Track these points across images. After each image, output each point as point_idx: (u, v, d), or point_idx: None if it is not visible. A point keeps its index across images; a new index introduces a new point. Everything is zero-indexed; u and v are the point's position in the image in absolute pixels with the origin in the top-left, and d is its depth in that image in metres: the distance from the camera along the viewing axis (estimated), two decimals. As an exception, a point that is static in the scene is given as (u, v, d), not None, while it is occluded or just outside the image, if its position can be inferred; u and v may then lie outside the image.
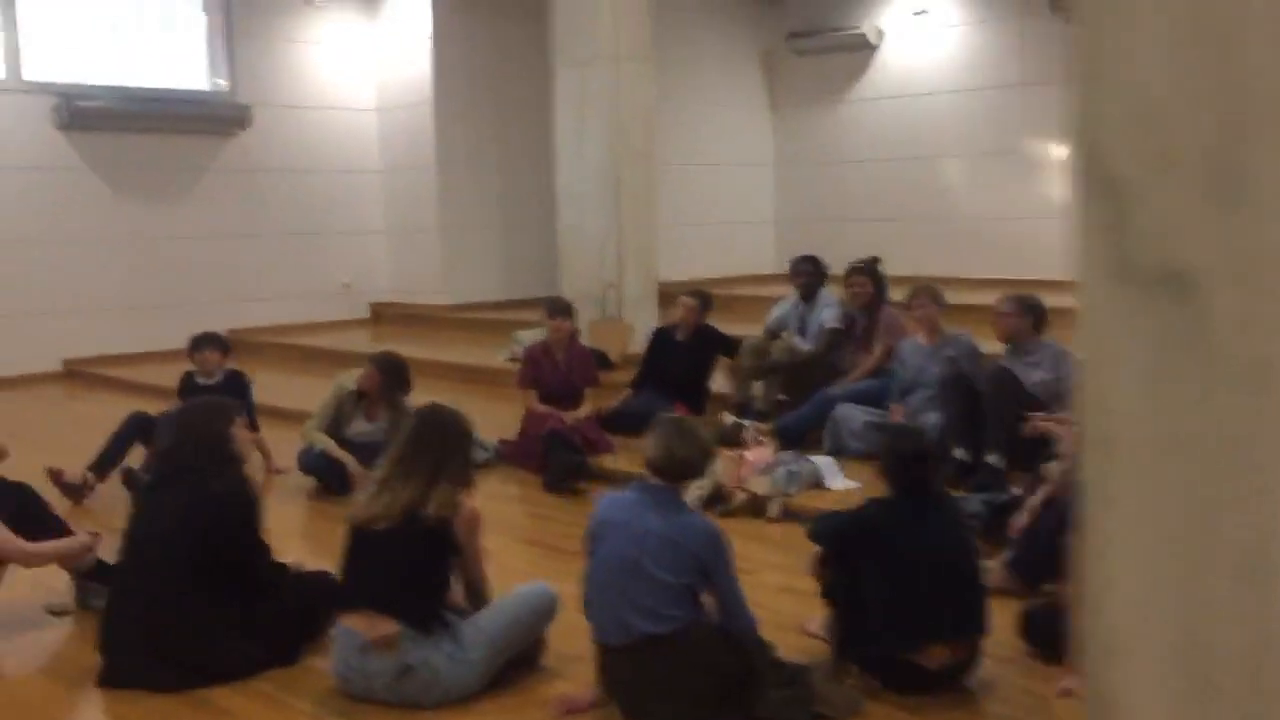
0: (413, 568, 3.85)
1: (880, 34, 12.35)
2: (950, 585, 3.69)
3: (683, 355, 7.56)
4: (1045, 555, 4.15)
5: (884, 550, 3.69)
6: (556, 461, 6.55)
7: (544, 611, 3.99)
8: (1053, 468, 4.78)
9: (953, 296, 7.08)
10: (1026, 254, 10.70)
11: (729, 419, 6.86)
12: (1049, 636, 3.86)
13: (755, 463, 6.07)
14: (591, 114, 9.23)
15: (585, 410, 7.09)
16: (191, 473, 4.10)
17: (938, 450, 4.78)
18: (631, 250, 9.31)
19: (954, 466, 5.97)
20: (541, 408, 7.08)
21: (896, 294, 7.19)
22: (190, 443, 4.17)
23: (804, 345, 7.39)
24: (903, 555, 3.67)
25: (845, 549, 3.80)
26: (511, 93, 11.96)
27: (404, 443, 3.98)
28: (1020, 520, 4.72)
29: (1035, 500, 4.73)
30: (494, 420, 7.26)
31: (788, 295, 7.81)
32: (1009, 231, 11.41)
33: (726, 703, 3.55)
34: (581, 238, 9.39)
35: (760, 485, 5.92)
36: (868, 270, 7.24)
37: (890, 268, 10.15)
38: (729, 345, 7.56)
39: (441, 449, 3.95)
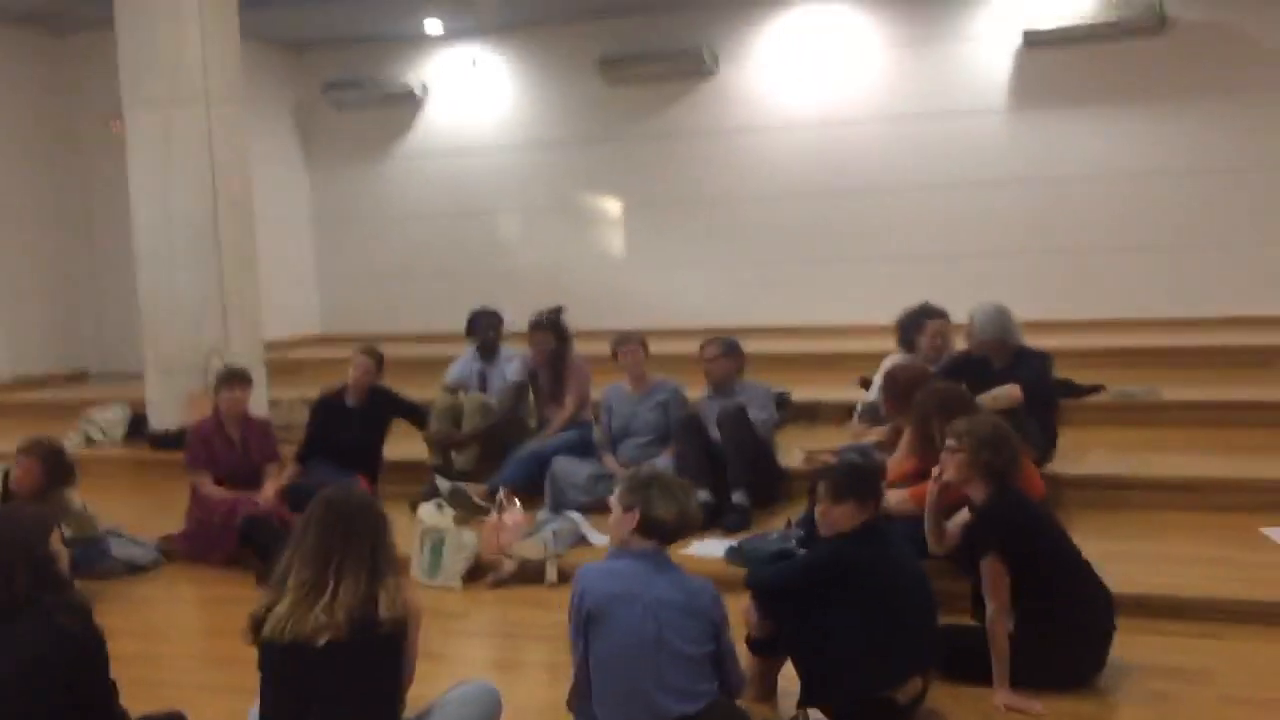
0: (371, 682, 3.20)
1: (425, 88, 12.22)
2: (927, 613, 3.75)
3: (355, 422, 6.96)
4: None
5: (863, 585, 3.65)
6: (269, 550, 5.73)
7: (492, 715, 3.50)
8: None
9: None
10: (587, 304, 11.06)
11: (446, 484, 6.41)
12: (955, 658, 4.03)
13: (514, 527, 5.74)
14: (180, 162, 8.23)
15: (273, 488, 6.29)
16: (30, 605, 3.11)
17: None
18: (236, 311, 8.40)
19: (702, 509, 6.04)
20: (219, 491, 6.19)
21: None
22: (19, 572, 3.16)
23: (490, 401, 7.11)
24: (884, 587, 3.66)
25: (815, 591, 3.71)
26: (35, 144, 10.43)
27: (320, 535, 3.30)
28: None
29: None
30: (110, 510, 6.26)
31: (462, 353, 7.49)
32: (569, 283, 11.73)
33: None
34: (171, 300, 8.30)
35: (530, 550, 5.61)
36: (549, 324, 7.13)
37: (446, 324, 9.93)
38: (414, 410, 7.09)
39: (373, 535, 3.33)
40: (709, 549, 5.54)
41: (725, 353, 6.62)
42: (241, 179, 8.51)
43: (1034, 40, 10.11)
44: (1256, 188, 9.72)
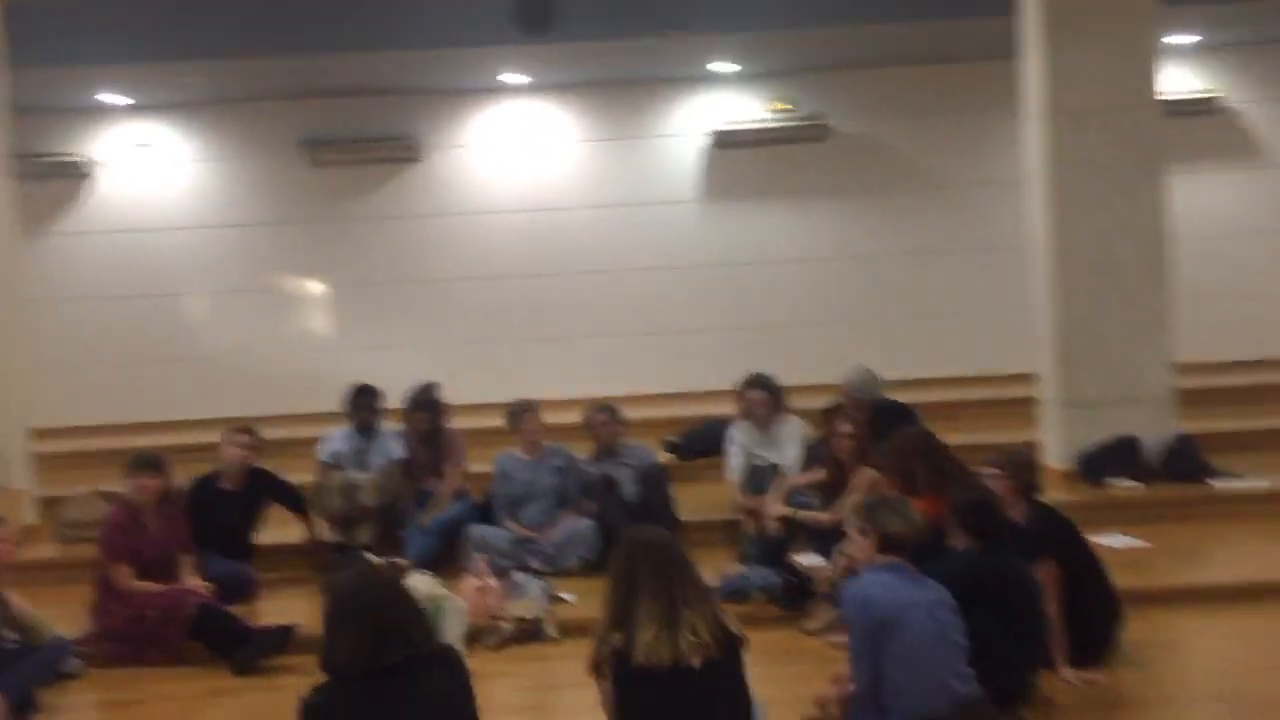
0: (740, 694, 3.52)
1: (93, 164, 11.39)
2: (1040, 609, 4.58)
3: (234, 505, 6.64)
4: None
5: (1008, 591, 4.42)
6: (224, 641, 5.47)
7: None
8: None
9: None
10: (284, 387, 10.89)
11: (379, 561, 6.30)
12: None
13: (497, 590, 5.87)
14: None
15: (199, 580, 5.90)
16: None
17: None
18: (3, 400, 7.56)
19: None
20: (147, 585, 5.73)
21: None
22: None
23: (361, 479, 7.02)
24: (1023, 590, 4.46)
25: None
26: None
27: (653, 570, 3.54)
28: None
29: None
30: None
31: (334, 431, 7.31)
32: (266, 366, 11.40)
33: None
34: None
35: (527, 609, 5.77)
36: (424, 403, 7.24)
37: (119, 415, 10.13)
38: (292, 494, 6.86)
39: (691, 565, 3.65)
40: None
41: (613, 418, 7.14)
42: (10, 253, 7.74)
43: (720, 140, 11.49)
44: (892, 271, 11.63)
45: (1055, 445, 7.83)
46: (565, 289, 11.58)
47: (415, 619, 3.22)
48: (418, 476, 7.14)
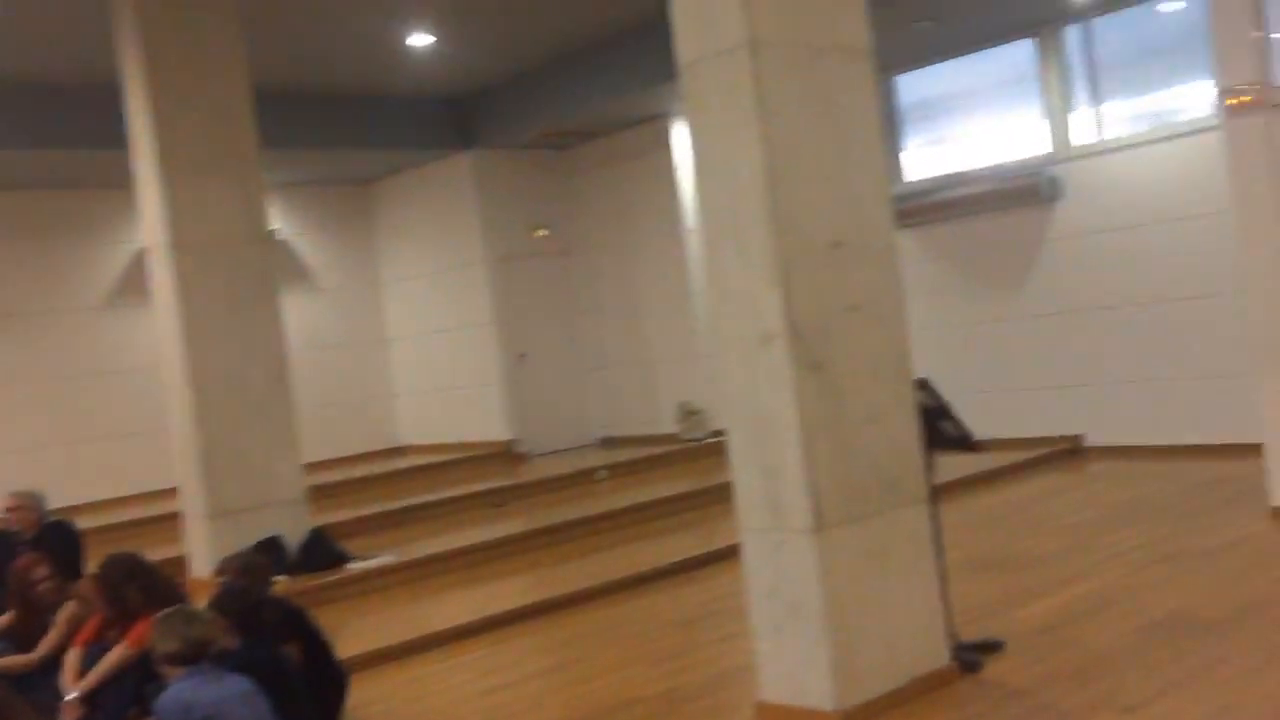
0: None
1: None
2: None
3: None
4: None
5: (283, 672, 4.88)
6: None
7: None
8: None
9: None
10: None
11: None
12: None
13: None
14: None
15: None
16: None
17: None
18: None
19: None
20: None
21: None
22: None
23: None
24: (288, 670, 4.95)
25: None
26: None
27: None
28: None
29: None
30: None
31: None
32: None
33: None
34: None
35: None
36: None
37: None
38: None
39: None
40: None
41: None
42: None
43: None
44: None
45: (203, 555, 8.27)
46: None
47: None
48: None
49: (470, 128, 12.66)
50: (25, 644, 6.19)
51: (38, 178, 10.94)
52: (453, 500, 10.70)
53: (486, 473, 11.96)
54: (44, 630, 6.15)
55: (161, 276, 8.34)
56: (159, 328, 8.47)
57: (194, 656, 4.30)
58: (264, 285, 8.59)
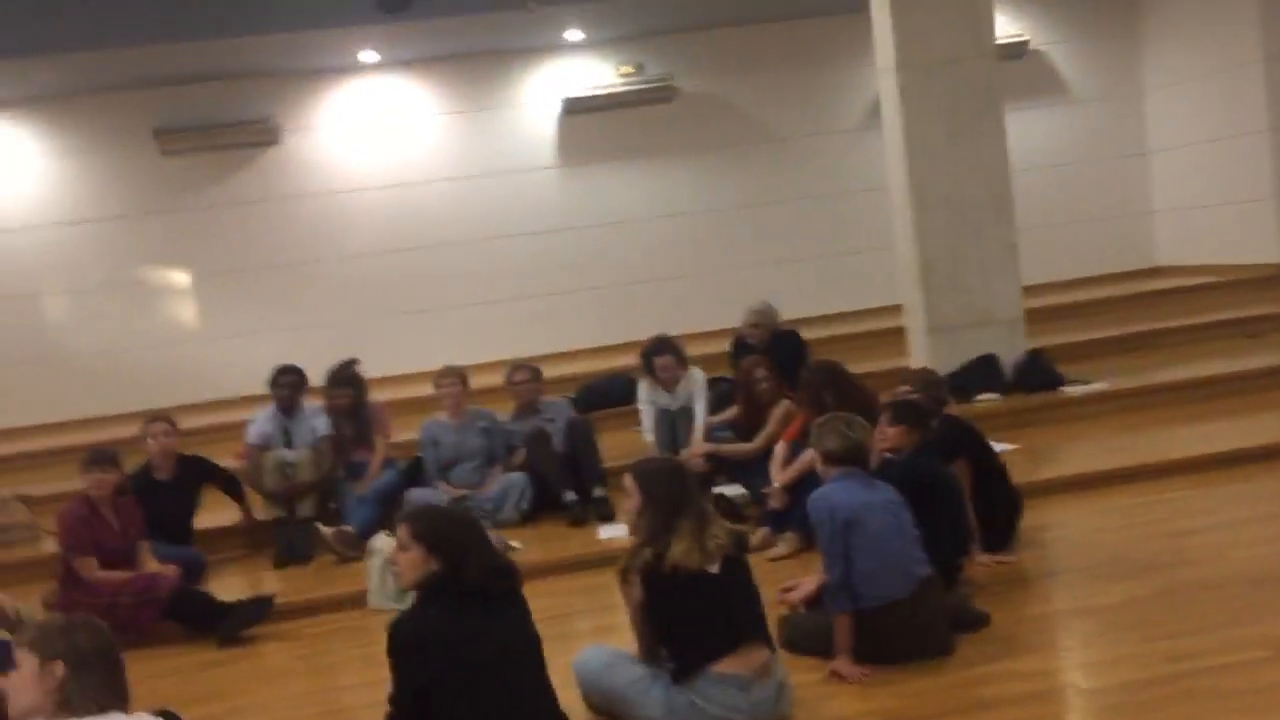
0: (754, 591, 4.06)
1: (-70, 166, 11.04)
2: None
3: (170, 494, 6.81)
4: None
5: (937, 487, 5.07)
6: (202, 619, 5.75)
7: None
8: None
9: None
10: (157, 380, 10.90)
11: (328, 530, 6.65)
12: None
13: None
14: None
15: (165, 565, 6.09)
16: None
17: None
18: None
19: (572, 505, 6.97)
20: (114, 574, 5.89)
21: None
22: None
23: (294, 456, 7.23)
24: (948, 487, 5.13)
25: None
26: None
27: (672, 489, 4.04)
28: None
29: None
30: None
31: (257, 413, 7.48)
32: (134, 361, 11.33)
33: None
34: None
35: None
36: (346, 379, 7.51)
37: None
38: (225, 477, 7.09)
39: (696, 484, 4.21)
40: (615, 531, 6.52)
41: (533, 378, 7.57)
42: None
43: (571, 107, 11.90)
44: (749, 222, 12.33)
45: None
46: (429, 262, 11.83)
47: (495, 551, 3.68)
48: (346, 449, 7.41)
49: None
50: (746, 435, 7.03)
51: (756, 10, 11.57)
52: (1196, 328, 9.90)
53: (1247, 299, 10.82)
54: (763, 424, 6.93)
55: (888, 97, 8.59)
56: (886, 148, 8.77)
57: (850, 458, 4.59)
58: (988, 102, 8.47)
